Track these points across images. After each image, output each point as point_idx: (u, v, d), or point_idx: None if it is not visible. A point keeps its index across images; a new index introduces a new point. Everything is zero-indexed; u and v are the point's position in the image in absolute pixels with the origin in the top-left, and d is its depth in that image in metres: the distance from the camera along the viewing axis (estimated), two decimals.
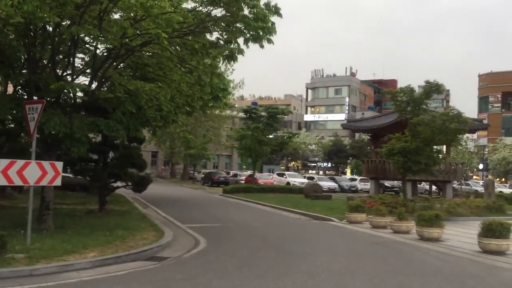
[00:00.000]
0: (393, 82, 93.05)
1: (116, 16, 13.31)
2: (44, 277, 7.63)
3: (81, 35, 12.08)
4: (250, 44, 13.30)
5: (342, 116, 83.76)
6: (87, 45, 14.75)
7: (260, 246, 11.68)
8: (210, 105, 19.90)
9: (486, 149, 72.34)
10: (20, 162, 9.17)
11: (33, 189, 9.80)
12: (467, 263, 10.32)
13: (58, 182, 9.84)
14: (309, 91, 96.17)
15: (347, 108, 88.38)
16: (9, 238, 8.86)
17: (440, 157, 21.51)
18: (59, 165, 9.91)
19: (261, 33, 12.83)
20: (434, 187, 34.09)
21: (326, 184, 39.81)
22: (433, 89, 19.84)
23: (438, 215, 13.66)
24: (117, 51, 12.46)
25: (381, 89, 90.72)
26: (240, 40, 13.58)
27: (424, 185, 37.66)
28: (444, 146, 27.21)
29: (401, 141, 19.73)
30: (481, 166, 62.75)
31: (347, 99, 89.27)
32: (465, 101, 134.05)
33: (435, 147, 21.66)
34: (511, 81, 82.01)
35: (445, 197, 25.94)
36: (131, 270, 8.48)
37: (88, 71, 14.13)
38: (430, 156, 19.69)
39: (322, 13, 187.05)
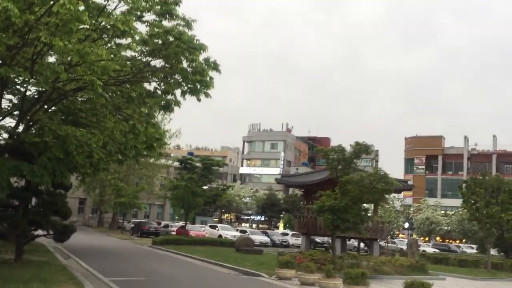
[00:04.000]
0: (327, 140, 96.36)
1: (52, 59, 13.10)
2: None
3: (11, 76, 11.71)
4: (189, 95, 13.49)
5: (277, 170, 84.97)
6: (17, 86, 14.30)
7: None
8: (143, 153, 19.63)
9: (411, 209, 75.59)
10: None
11: None
12: None
13: None
14: (246, 144, 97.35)
15: (282, 163, 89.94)
16: None
17: (368, 215, 22.20)
18: None
19: (198, 87, 13.06)
20: (362, 244, 34.88)
21: (258, 238, 39.65)
22: (362, 149, 20.72)
23: (364, 274, 13.96)
24: (49, 95, 12.15)
25: (315, 146, 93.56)
26: (178, 92, 13.75)
27: (353, 242, 38.43)
28: (372, 205, 28.17)
29: (331, 199, 20.19)
30: (406, 225, 65.20)
31: (282, 154, 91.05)
32: (393, 162, 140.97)
33: (363, 205, 22.35)
34: (434, 145, 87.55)
35: (372, 255, 26.57)
36: None
37: (15, 113, 13.59)
38: (358, 214, 20.23)
39: (260, 70, 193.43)
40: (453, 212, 67.94)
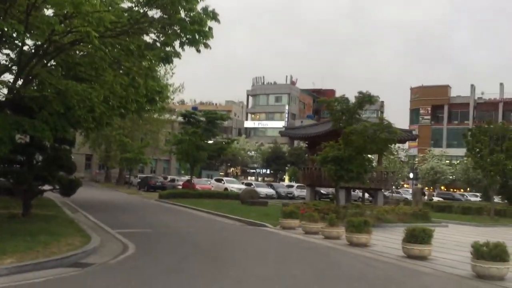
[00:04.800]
0: (331, 92, 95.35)
1: (49, 12, 12.80)
2: None
3: (6, 30, 11.48)
4: (192, 48, 13.20)
5: (281, 124, 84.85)
6: (15, 41, 14.05)
7: (191, 252, 11.55)
8: (146, 108, 19.52)
9: (416, 159, 75.76)
10: None
11: None
12: (391, 268, 10.69)
13: None
14: (250, 98, 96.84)
15: (286, 116, 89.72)
16: None
17: (372, 165, 22.27)
18: None
19: (197, 37, 12.76)
20: (367, 195, 35.21)
21: (264, 190, 40.10)
22: (366, 99, 20.53)
23: (366, 222, 14.08)
24: (46, 48, 11.95)
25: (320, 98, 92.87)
26: (177, 44, 13.47)
27: (358, 193, 38.79)
28: (377, 155, 28.22)
29: (335, 150, 20.20)
30: (411, 175, 65.57)
31: (287, 107, 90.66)
32: (399, 113, 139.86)
33: (367, 155, 22.35)
34: (440, 95, 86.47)
35: (376, 204, 26.86)
36: (50, 277, 8.07)
37: (14, 68, 13.42)
38: (361, 164, 20.28)
39: (264, 22, 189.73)
40: (458, 162, 68.12)
